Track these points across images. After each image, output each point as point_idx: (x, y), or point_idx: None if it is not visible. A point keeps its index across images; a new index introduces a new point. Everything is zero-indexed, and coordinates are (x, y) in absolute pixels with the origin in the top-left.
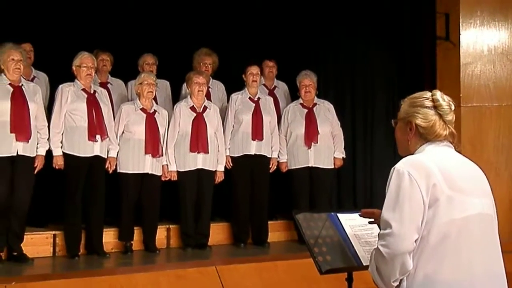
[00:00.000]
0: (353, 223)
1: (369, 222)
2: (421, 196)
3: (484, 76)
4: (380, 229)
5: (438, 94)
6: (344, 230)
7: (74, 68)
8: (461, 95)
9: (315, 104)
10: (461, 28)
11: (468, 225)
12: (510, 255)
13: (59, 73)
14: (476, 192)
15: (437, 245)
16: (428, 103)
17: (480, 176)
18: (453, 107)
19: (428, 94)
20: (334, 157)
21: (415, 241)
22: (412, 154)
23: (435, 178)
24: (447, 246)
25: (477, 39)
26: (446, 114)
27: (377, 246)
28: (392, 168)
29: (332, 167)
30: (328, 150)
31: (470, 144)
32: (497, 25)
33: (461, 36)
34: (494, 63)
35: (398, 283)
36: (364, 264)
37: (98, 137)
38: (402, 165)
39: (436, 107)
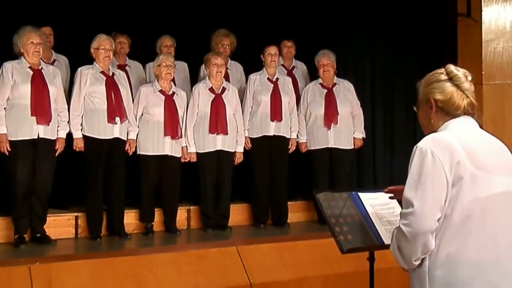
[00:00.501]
0: (374, 202)
1: (390, 198)
2: (444, 175)
3: (506, 53)
4: (402, 208)
5: (452, 66)
6: (365, 209)
7: (92, 50)
8: (483, 72)
9: (334, 84)
10: (483, 4)
11: (493, 203)
12: None
13: (79, 56)
14: (501, 170)
15: (461, 224)
16: (443, 76)
17: (506, 153)
18: (469, 77)
19: (441, 69)
20: (354, 137)
21: (438, 220)
22: (436, 131)
23: (459, 156)
24: (471, 225)
25: (500, 15)
26: (462, 82)
27: (399, 225)
28: (415, 147)
29: (352, 147)
30: (348, 131)
31: (492, 122)
32: None
33: (483, 12)
34: None
35: (419, 262)
36: (385, 243)
37: (117, 119)
38: (425, 143)
39: (451, 78)
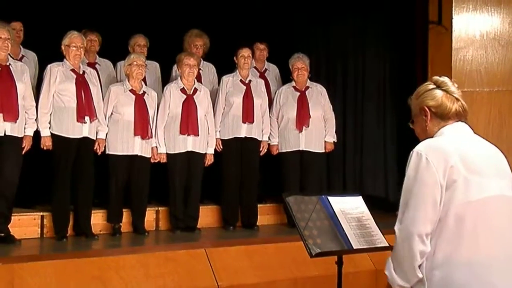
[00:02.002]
0: (343, 206)
1: None
2: (438, 179)
3: (475, 61)
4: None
5: (436, 76)
6: (334, 213)
7: (63, 47)
8: (452, 79)
9: (307, 87)
10: (453, 12)
11: (486, 207)
12: None
13: (48, 52)
14: (495, 174)
15: (455, 227)
16: (431, 85)
17: (499, 158)
18: (455, 84)
19: (428, 82)
20: (325, 141)
21: (434, 223)
22: (432, 137)
23: (452, 160)
24: (464, 228)
25: (470, 24)
26: (449, 87)
27: (395, 229)
28: (412, 151)
29: (323, 151)
30: (319, 134)
31: None
32: (490, 10)
33: (453, 20)
34: (486, 48)
35: (420, 275)
36: (354, 247)
37: (87, 118)
38: (420, 148)
39: (439, 85)
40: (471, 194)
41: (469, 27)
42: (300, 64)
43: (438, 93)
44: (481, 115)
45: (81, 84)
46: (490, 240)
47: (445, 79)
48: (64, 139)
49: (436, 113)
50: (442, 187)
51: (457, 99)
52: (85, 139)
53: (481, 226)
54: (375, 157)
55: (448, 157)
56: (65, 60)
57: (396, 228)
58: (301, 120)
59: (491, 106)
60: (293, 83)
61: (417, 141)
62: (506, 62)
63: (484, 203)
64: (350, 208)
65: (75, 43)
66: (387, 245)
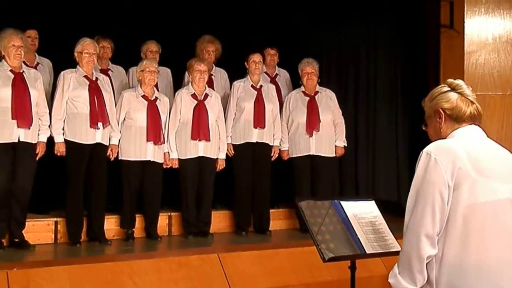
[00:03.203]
0: (356, 211)
1: None
2: (446, 180)
3: (488, 65)
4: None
5: (451, 79)
6: (347, 218)
7: (76, 54)
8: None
9: (317, 92)
10: (465, 16)
11: (494, 209)
12: None
13: (63, 59)
14: (506, 178)
15: (461, 228)
16: (446, 88)
17: (509, 161)
18: (469, 87)
19: (441, 84)
20: (336, 146)
21: (442, 223)
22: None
23: (461, 162)
24: (471, 230)
25: (482, 27)
26: (464, 90)
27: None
28: (422, 152)
29: (334, 155)
30: (329, 139)
31: None
32: (502, 13)
33: (465, 24)
34: (498, 51)
35: (426, 277)
36: (367, 252)
37: (100, 124)
38: (430, 149)
39: (453, 88)
40: (479, 196)
41: (481, 30)
42: (309, 69)
43: (453, 95)
44: (494, 119)
45: (94, 90)
46: (498, 243)
47: (459, 82)
48: (77, 145)
49: (451, 116)
50: (450, 188)
51: (472, 102)
52: (98, 145)
53: (489, 229)
54: (387, 161)
55: (457, 159)
56: (78, 67)
57: (404, 226)
58: (311, 124)
59: (504, 110)
60: (303, 88)
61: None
62: None
63: (492, 205)
64: (363, 212)
65: (87, 49)
66: (400, 249)
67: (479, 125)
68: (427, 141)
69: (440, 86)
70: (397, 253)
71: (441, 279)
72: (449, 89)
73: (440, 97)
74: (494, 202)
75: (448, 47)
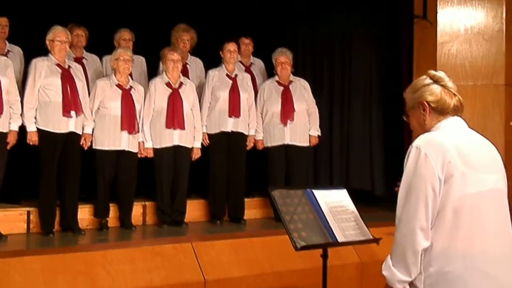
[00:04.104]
0: (328, 199)
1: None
2: (436, 173)
3: (460, 55)
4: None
5: (433, 71)
6: (319, 206)
7: (47, 42)
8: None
9: (291, 82)
10: (438, 7)
11: (481, 200)
12: None
13: (34, 47)
14: (489, 168)
15: (451, 220)
16: (428, 80)
17: (493, 152)
18: (450, 79)
19: (423, 76)
20: (310, 135)
21: (433, 216)
22: (429, 131)
23: (450, 155)
24: (460, 221)
25: (454, 18)
26: (447, 82)
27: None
28: (410, 146)
29: (308, 144)
30: (303, 128)
31: None
32: (474, 4)
33: (438, 15)
34: (470, 42)
35: (418, 270)
36: (339, 240)
37: (72, 113)
38: (419, 143)
39: (436, 81)
40: (468, 188)
41: (454, 21)
42: (283, 58)
43: (437, 88)
44: (466, 108)
45: (67, 78)
46: (484, 232)
47: (441, 74)
48: (50, 134)
49: (436, 108)
50: (441, 181)
51: (455, 94)
52: (71, 134)
53: (476, 219)
54: (361, 151)
55: (446, 152)
56: (50, 55)
57: (396, 220)
58: (285, 114)
59: (475, 100)
60: (277, 78)
61: (402, 136)
62: (489, 56)
63: (480, 196)
64: (335, 201)
65: (59, 37)
66: (372, 237)
67: (461, 116)
68: (401, 131)
69: (422, 78)
70: (368, 241)
71: (429, 268)
72: (431, 81)
73: (423, 90)
74: (481, 192)
75: (421, 38)
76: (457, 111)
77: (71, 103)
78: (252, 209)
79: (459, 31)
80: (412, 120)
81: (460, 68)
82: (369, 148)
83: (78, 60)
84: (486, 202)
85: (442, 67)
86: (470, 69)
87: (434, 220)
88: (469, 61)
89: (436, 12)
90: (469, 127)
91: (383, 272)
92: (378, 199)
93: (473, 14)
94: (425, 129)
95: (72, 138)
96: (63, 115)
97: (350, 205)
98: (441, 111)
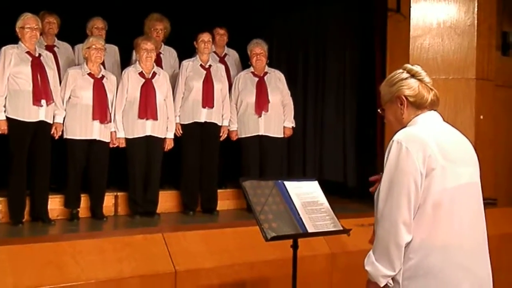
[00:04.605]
0: (299, 191)
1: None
2: (418, 168)
3: (432, 49)
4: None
5: (409, 65)
6: (290, 197)
7: (17, 30)
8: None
9: (266, 73)
10: (411, 1)
11: (459, 193)
12: None
13: (4, 35)
14: (466, 162)
15: (432, 212)
16: (405, 74)
17: (468, 146)
18: (427, 73)
19: (400, 70)
20: (284, 126)
21: (415, 210)
22: (406, 126)
23: (431, 150)
24: (440, 213)
25: (427, 12)
26: (424, 77)
27: (377, 219)
28: (391, 140)
29: (282, 136)
30: (278, 119)
31: None
32: None
33: (411, 9)
34: (442, 36)
35: (400, 265)
36: (309, 231)
37: (43, 101)
38: (400, 137)
39: (413, 75)
40: (447, 181)
41: (427, 15)
42: (258, 49)
43: (414, 82)
44: None
45: (37, 67)
46: (461, 224)
47: (418, 68)
48: (20, 122)
49: (413, 103)
50: (422, 175)
51: (431, 89)
52: (42, 123)
53: (454, 212)
54: (334, 143)
55: (426, 147)
56: (20, 42)
57: (378, 215)
58: (260, 105)
59: (447, 94)
60: (252, 69)
61: (375, 128)
62: (461, 50)
63: (457, 190)
64: (305, 192)
65: (29, 24)
66: (342, 228)
67: (436, 111)
68: (375, 124)
69: (398, 71)
70: (338, 232)
71: (409, 260)
72: (408, 75)
73: (401, 84)
74: (458, 186)
75: (395, 32)
76: (433, 105)
77: (41, 92)
78: (225, 200)
79: (431, 25)
80: (388, 114)
81: (432, 62)
82: (342, 140)
83: (50, 48)
84: (463, 195)
85: (415, 61)
86: (442, 63)
87: (415, 214)
88: (441, 55)
89: (410, 6)
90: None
91: (366, 268)
92: (350, 191)
93: (445, 9)
94: (402, 123)
95: (43, 127)
96: (33, 103)
97: (321, 197)
98: (419, 105)
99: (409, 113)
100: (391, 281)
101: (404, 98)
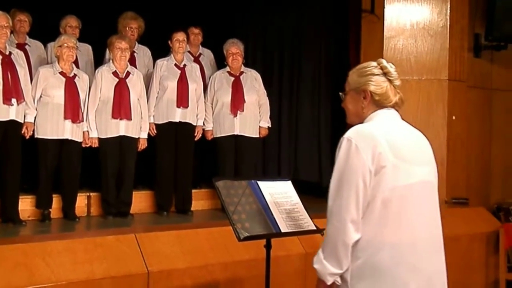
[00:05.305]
0: (273, 190)
1: None
2: (367, 165)
3: (406, 50)
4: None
5: (384, 62)
6: (264, 197)
7: None
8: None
9: (242, 73)
10: (385, 2)
11: (410, 191)
12: None
13: None
14: (419, 160)
15: (380, 211)
16: (378, 71)
17: (424, 144)
18: (398, 75)
19: (374, 63)
20: (260, 126)
21: (364, 208)
22: (363, 121)
23: (381, 147)
24: (389, 211)
25: (401, 13)
26: (395, 79)
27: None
28: (342, 137)
29: (257, 136)
30: (254, 119)
31: None
32: (420, 0)
33: (385, 10)
34: (415, 37)
35: (348, 264)
36: (282, 231)
37: (13, 100)
38: (350, 135)
39: (385, 74)
40: (398, 179)
41: (400, 16)
42: (234, 49)
43: (384, 82)
44: (410, 102)
45: (7, 65)
46: (412, 223)
47: (391, 69)
48: None
49: (377, 101)
50: (371, 172)
51: (398, 92)
52: (12, 122)
53: (404, 210)
54: (309, 143)
55: (377, 144)
56: None
57: (328, 211)
58: (235, 104)
59: (420, 94)
60: (228, 68)
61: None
62: (434, 51)
63: (409, 188)
64: (279, 192)
65: None
66: (315, 228)
67: (395, 109)
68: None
69: (372, 64)
70: (311, 232)
71: (357, 259)
72: (380, 72)
73: (370, 78)
74: (410, 184)
75: (369, 32)
76: (396, 107)
77: (12, 91)
78: (199, 200)
79: (405, 26)
80: (348, 101)
81: (405, 63)
82: (317, 140)
83: (21, 46)
84: (415, 194)
85: (388, 61)
86: (415, 64)
87: (364, 212)
88: (414, 56)
89: (384, 7)
90: (414, 120)
91: (314, 266)
92: (325, 190)
93: (419, 10)
94: (358, 116)
95: (13, 126)
96: (4, 102)
97: (295, 197)
98: (380, 104)
99: (369, 108)
100: (338, 280)
101: (369, 93)
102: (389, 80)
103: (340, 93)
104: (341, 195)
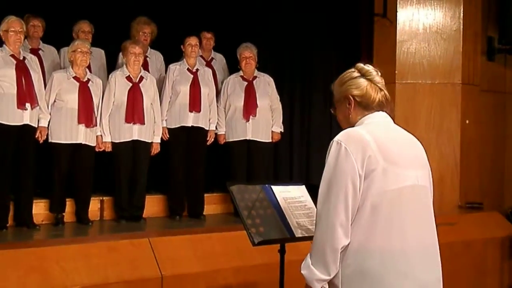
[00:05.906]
0: (286, 195)
1: None
2: (356, 169)
3: (418, 54)
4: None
5: (361, 64)
6: (277, 202)
7: (1, 33)
8: (396, 72)
9: (255, 77)
10: (398, 6)
11: (401, 196)
12: (438, 228)
13: None
14: (412, 164)
15: (370, 216)
16: (355, 73)
17: (416, 148)
18: (379, 72)
19: (352, 68)
20: (272, 131)
21: (353, 212)
22: (353, 126)
23: (371, 151)
24: (379, 216)
25: (413, 17)
26: (374, 76)
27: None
28: (332, 141)
29: (270, 140)
30: (266, 124)
31: (404, 119)
32: (433, 4)
33: (398, 13)
34: (428, 41)
35: (337, 268)
36: (296, 235)
37: (28, 105)
38: (340, 138)
39: (363, 74)
40: (388, 183)
41: (413, 20)
42: (248, 53)
43: (363, 82)
44: (423, 106)
45: (22, 70)
46: (403, 228)
47: (369, 67)
48: (3, 126)
49: (360, 103)
50: (361, 176)
51: (381, 89)
52: (26, 127)
53: (395, 215)
54: (321, 147)
55: (367, 147)
56: (4, 45)
57: (317, 215)
58: (248, 109)
59: (433, 98)
60: (241, 73)
61: None
62: (447, 55)
63: (399, 192)
64: (293, 197)
65: (13, 27)
66: None
67: (386, 112)
68: None
69: (350, 70)
70: None
71: (347, 265)
72: (359, 74)
73: (350, 83)
74: (401, 188)
75: (381, 36)
76: (381, 106)
77: (26, 95)
78: (212, 204)
79: (418, 30)
80: (338, 113)
81: (418, 67)
82: (328, 145)
83: (35, 51)
84: (406, 198)
85: (401, 65)
86: (428, 68)
87: (354, 216)
88: (427, 60)
89: (396, 11)
90: (427, 124)
91: (302, 271)
92: None
93: (431, 14)
94: (350, 123)
95: (27, 130)
96: (18, 107)
97: (309, 201)
98: (366, 106)
99: (357, 113)
100: (326, 286)
101: (351, 98)
102: (369, 80)
103: (331, 109)
104: (330, 198)
